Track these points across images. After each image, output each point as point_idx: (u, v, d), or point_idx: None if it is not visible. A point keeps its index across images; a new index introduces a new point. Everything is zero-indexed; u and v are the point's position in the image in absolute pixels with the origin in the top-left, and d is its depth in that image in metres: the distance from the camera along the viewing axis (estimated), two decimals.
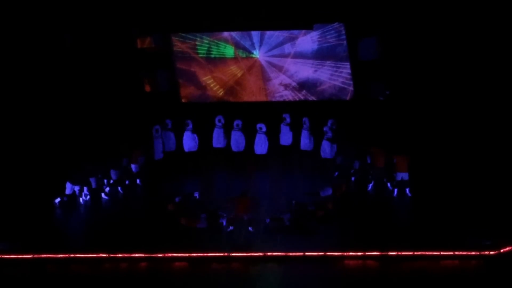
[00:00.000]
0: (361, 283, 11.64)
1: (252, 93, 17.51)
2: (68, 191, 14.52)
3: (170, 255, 12.42)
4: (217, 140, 16.61)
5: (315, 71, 17.09)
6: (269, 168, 16.04)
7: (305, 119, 16.26)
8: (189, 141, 16.62)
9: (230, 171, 16.03)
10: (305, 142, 16.34)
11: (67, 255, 12.44)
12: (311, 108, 17.16)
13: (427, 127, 16.21)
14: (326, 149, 15.95)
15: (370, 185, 14.90)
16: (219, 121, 16.54)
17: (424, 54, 16.04)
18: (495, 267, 12.16)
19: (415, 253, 12.33)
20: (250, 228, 13.04)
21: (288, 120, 16.45)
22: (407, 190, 14.46)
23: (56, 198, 14.49)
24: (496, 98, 15.82)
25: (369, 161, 15.12)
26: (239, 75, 17.39)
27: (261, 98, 17.53)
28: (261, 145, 16.28)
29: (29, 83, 16.41)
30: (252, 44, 16.99)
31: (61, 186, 14.60)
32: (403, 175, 14.47)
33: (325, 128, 15.90)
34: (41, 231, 13.25)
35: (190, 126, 16.57)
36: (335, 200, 13.91)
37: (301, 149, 16.36)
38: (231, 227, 13.10)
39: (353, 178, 15.20)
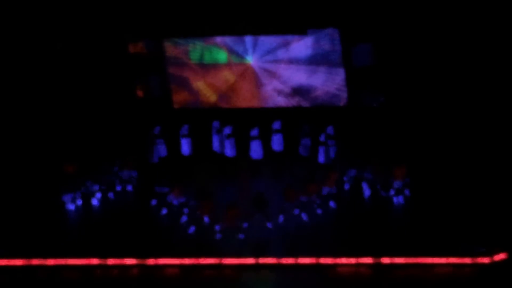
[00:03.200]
0: None
1: (245, 99, 17.69)
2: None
3: (161, 262, 12.70)
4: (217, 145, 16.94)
5: (309, 77, 17.27)
6: (264, 173, 16.29)
7: (304, 126, 16.49)
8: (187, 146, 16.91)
9: (224, 176, 16.26)
10: (302, 148, 16.64)
11: (58, 262, 12.70)
12: (305, 114, 17.39)
13: (422, 134, 16.41)
14: (323, 156, 16.22)
15: (365, 192, 15.17)
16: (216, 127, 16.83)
17: (420, 60, 16.25)
18: (489, 275, 12.42)
19: (409, 261, 12.60)
20: (240, 236, 13.37)
21: (279, 127, 16.73)
22: (401, 198, 14.73)
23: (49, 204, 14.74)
24: (493, 104, 16.04)
25: (365, 169, 15.39)
26: (232, 80, 17.56)
27: (254, 104, 17.68)
28: (256, 151, 16.55)
29: (19, 88, 16.62)
30: (245, 50, 17.17)
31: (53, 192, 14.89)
32: (398, 184, 14.68)
33: (321, 134, 16.14)
34: (32, 237, 13.49)
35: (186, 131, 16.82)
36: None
37: (299, 155, 16.63)
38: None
39: (347, 186, 15.46)
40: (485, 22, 15.59)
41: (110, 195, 15.37)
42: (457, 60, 16.02)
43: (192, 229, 13.75)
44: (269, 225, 13.72)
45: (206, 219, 13.86)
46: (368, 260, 12.68)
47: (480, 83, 16.05)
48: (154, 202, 14.89)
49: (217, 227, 13.60)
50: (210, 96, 17.84)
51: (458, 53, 15.98)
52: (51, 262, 12.72)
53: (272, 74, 17.42)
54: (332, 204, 14.55)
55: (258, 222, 13.71)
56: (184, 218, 14.19)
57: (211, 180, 15.68)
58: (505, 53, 15.78)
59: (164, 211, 14.56)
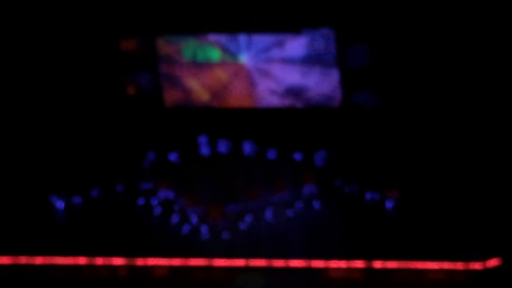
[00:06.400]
0: None
1: (238, 98, 17.89)
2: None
3: (150, 263, 13.08)
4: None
5: (303, 77, 17.45)
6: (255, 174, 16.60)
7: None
8: None
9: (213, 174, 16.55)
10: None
11: (45, 260, 13.06)
12: (300, 115, 17.73)
13: (416, 136, 16.62)
14: (318, 157, 16.61)
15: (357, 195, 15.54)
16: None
17: (418, 62, 16.46)
18: (482, 280, 12.79)
19: (401, 265, 12.98)
20: (225, 235, 13.76)
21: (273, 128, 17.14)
22: (393, 201, 15.11)
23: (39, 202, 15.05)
24: (490, 109, 16.18)
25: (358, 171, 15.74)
26: (225, 79, 17.73)
27: (247, 103, 17.87)
28: (248, 152, 16.93)
29: (4, 84, 16.82)
30: (239, 48, 17.33)
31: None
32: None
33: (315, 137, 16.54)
34: (19, 236, 13.84)
35: None
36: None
37: (292, 157, 16.92)
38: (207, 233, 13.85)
39: (339, 188, 15.82)
40: (488, 23, 15.72)
41: (101, 194, 15.66)
42: (457, 61, 16.16)
43: (178, 226, 14.15)
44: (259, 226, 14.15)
45: (192, 216, 14.24)
46: (359, 264, 13.06)
47: (480, 85, 16.17)
48: (143, 200, 15.27)
49: (204, 226, 14.01)
50: (203, 95, 18.07)
51: (458, 54, 16.13)
52: (38, 260, 13.09)
53: (265, 74, 17.59)
54: (316, 204, 14.98)
55: (248, 222, 14.13)
56: (172, 216, 14.61)
57: (200, 177, 16.03)
58: (507, 55, 15.93)
59: (152, 209, 14.96)
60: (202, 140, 17.25)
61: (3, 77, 16.71)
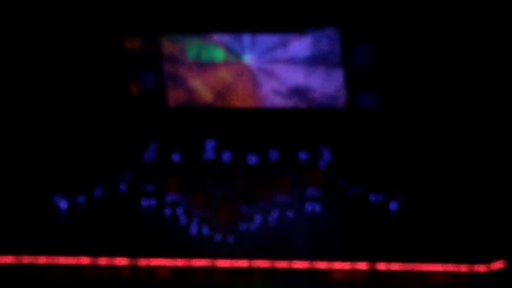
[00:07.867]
0: None
1: (242, 99, 18.14)
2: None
3: (153, 263, 13.25)
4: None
5: (307, 77, 17.70)
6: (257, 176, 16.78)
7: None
8: None
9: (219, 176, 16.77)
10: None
11: (48, 261, 13.24)
12: (304, 115, 17.95)
13: (420, 138, 16.88)
14: (321, 159, 16.81)
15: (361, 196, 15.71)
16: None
17: (423, 62, 16.71)
18: (487, 283, 12.91)
19: (404, 267, 13.11)
20: (231, 238, 13.93)
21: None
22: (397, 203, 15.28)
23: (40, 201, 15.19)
24: (495, 109, 16.44)
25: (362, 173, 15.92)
26: (229, 79, 17.96)
27: (251, 104, 18.12)
28: (252, 154, 17.14)
29: (7, 84, 17.08)
30: (243, 48, 17.56)
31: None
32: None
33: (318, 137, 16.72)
34: (24, 235, 14.02)
35: None
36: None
37: (295, 159, 17.23)
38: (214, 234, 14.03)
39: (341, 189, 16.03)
40: (493, 22, 15.98)
41: (104, 194, 15.88)
42: (464, 63, 16.42)
43: (183, 228, 14.34)
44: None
45: (196, 217, 14.43)
46: (363, 265, 13.20)
47: (487, 86, 16.40)
48: (146, 201, 15.47)
49: (209, 227, 14.19)
50: (206, 95, 18.25)
51: (465, 56, 16.38)
52: (41, 260, 13.26)
53: (269, 74, 17.81)
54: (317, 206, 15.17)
55: (251, 223, 14.32)
56: (175, 217, 14.80)
57: (203, 178, 16.22)
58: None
59: (156, 209, 15.15)
60: (206, 140, 17.49)
61: (8, 77, 16.92)
